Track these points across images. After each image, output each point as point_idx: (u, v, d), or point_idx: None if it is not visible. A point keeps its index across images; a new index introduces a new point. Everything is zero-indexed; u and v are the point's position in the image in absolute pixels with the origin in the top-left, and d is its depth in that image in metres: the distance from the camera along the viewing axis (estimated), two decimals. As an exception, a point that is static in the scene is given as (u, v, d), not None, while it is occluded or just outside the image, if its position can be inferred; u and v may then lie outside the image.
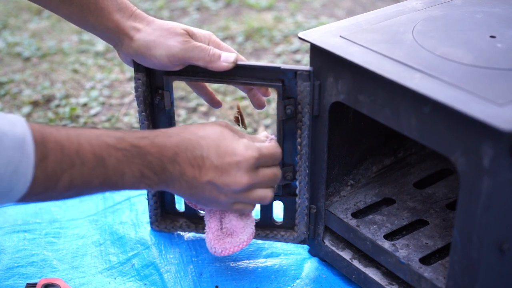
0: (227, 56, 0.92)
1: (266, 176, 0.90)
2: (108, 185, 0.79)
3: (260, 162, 0.88)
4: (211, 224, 0.97)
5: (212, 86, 1.66)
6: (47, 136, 0.72)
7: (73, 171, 0.73)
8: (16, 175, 0.68)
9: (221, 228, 0.97)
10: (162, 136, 0.83)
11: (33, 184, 0.70)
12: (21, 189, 0.70)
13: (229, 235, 0.97)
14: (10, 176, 0.68)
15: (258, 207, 1.05)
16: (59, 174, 0.72)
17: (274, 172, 0.91)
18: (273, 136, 0.96)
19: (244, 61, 0.96)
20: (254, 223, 0.99)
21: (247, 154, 0.86)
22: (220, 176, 0.85)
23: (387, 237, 0.97)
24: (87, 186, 0.76)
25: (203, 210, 1.02)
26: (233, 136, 0.87)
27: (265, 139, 0.94)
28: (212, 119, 1.56)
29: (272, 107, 1.59)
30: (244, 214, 0.97)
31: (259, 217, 1.06)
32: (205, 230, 0.99)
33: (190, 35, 0.93)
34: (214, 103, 1.07)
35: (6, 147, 0.67)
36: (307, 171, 0.98)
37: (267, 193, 0.91)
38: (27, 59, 1.88)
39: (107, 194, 1.21)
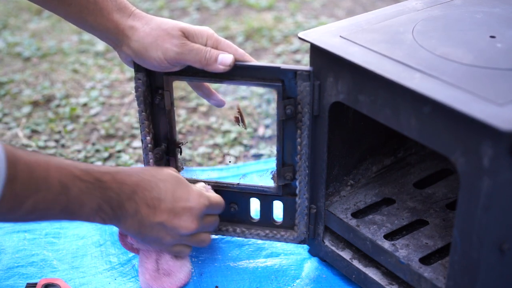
0: (224, 59, 0.92)
1: (210, 223, 0.97)
2: (66, 213, 0.81)
3: (208, 210, 0.94)
4: (147, 265, 0.99)
5: (212, 86, 1.66)
6: (17, 158, 0.73)
7: (38, 196, 0.75)
8: None
9: (157, 269, 0.99)
10: (123, 173, 0.87)
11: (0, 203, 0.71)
12: None
13: (167, 275, 1.00)
14: None
15: (258, 206, 1.05)
16: (25, 198, 0.74)
17: (216, 219, 0.99)
18: (209, 187, 1.01)
19: (249, 60, 0.95)
20: (190, 262, 1.03)
21: (200, 202, 0.92)
22: (172, 219, 0.90)
23: (387, 237, 0.97)
24: (47, 212, 0.79)
25: (135, 252, 1.03)
26: (187, 184, 0.94)
27: (204, 189, 0.99)
28: (212, 119, 1.56)
29: (272, 107, 1.59)
30: (180, 258, 1.01)
31: (259, 217, 1.06)
32: (139, 272, 1.01)
33: (187, 35, 0.93)
34: (218, 103, 1.07)
35: None
36: (307, 171, 0.98)
37: (207, 237, 0.98)
38: (27, 59, 1.88)
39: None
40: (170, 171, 0.94)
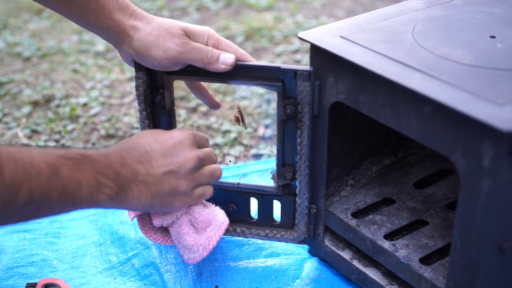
0: (226, 58, 0.92)
1: (208, 153, 0.94)
2: (67, 197, 0.77)
3: (196, 140, 0.92)
4: (184, 232, 0.95)
5: (212, 86, 1.66)
6: (1, 151, 0.71)
7: (31, 182, 0.72)
8: None
9: (196, 229, 0.96)
10: (103, 149, 0.85)
11: None
12: None
13: (207, 226, 0.95)
14: None
15: (255, 206, 1.05)
16: (18, 186, 0.71)
17: (211, 150, 0.96)
18: None
19: (250, 60, 0.95)
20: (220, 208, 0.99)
21: (185, 133, 0.91)
22: (171, 160, 0.87)
23: (387, 237, 0.97)
24: (46, 199, 0.75)
25: (161, 242, 1.00)
26: (163, 130, 0.92)
27: None
28: (212, 119, 1.56)
29: (272, 107, 1.59)
30: (206, 204, 0.98)
31: (257, 216, 1.06)
32: (179, 248, 0.97)
33: (188, 35, 0.93)
34: (214, 105, 1.07)
35: None
36: (307, 171, 0.98)
37: (216, 168, 0.95)
38: (27, 59, 1.88)
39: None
40: (143, 131, 0.92)
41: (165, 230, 1.00)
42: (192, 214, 0.96)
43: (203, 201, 0.97)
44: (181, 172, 0.88)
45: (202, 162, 0.91)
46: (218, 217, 0.96)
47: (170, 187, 0.87)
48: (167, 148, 0.88)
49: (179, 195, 0.89)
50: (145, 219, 0.98)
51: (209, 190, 0.94)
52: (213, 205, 0.99)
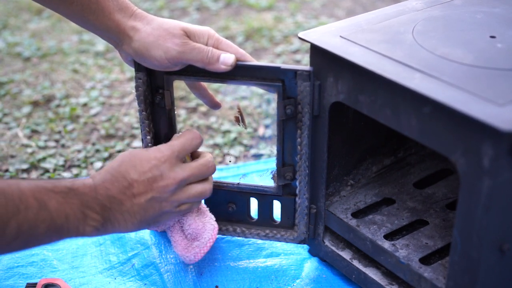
0: (226, 58, 0.92)
1: (196, 167, 0.91)
2: (54, 229, 0.78)
3: (180, 155, 0.90)
4: (175, 238, 1.00)
5: (212, 86, 1.66)
6: None
7: (19, 217, 0.73)
8: None
9: (186, 237, 0.99)
10: (88, 180, 0.84)
11: None
12: None
13: (194, 239, 0.99)
14: None
15: (255, 206, 1.05)
16: (6, 221, 0.72)
17: (202, 163, 0.92)
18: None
19: (250, 60, 0.95)
20: (214, 218, 1.01)
21: (161, 154, 0.88)
22: (150, 187, 0.87)
23: (387, 237, 0.97)
24: (34, 233, 0.76)
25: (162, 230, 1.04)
26: (141, 150, 0.90)
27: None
28: (212, 119, 1.56)
29: (272, 107, 1.59)
30: (200, 211, 0.99)
31: (257, 216, 1.06)
32: (173, 246, 1.02)
33: (188, 35, 0.93)
34: (214, 105, 1.07)
35: None
36: (307, 171, 0.98)
37: (205, 185, 0.93)
38: (27, 59, 1.88)
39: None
40: (120, 155, 0.90)
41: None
42: (183, 224, 0.99)
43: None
44: (163, 197, 0.88)
45: (184, 182, 0.90)
46: (206, 233, 0.99)
47: (154, 212, 0.88)
48: (145, 173, 0.86)
49: (164, 215, 0.90)
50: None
51: (194, 205, 0.94)
52: (206, 212, 1.01)
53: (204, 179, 0.93)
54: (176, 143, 0.91)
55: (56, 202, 0.78)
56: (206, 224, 0.99)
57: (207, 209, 1.03)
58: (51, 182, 0.80)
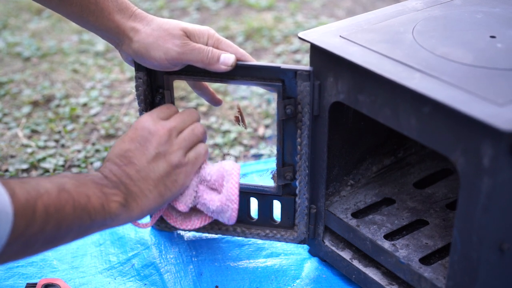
0: (226, 58, 0.92)
1: (179, 115, 0.93)
2: (80, 209, 0.78)
3: (160, 116, 0.92)
4: (207, 198, 0.95)
5: (212, 86, 1.66)
6: (4, 178, 0.72)
7: (43, 198, 0.73)
8: None
9: (216, 190, 0.96)
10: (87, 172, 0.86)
11: (15, 218, 0.68)
12: (5, 227, 0.67)
13: (222, 180, 0.95)
14: None
15: (255, 206, 1.05)
16: (33, 203, 0.71)
17: (184, 112, 0.94)
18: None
19: (250, 60, 0.95)
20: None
21: (143, 117, 0.91)
22: (145, 147, 0.88)
23: (387, 237, 0.97)
24: (62, 214, 0.75)
25: (190, 227, 1.01)
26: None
27: None
28: (212, 119, 1.56)
29: (272, 107, 1.59)
30: (213, 165, 0.96)
31: (257, 216, 1.06)
32: (218, 217, 0.97)
33: (188, 35, 0.93)
34: (215, 102, 1.07)
35: None
36: (307, 171, 0.98)
37: (194, 126, 0.94)
38: (27, 59, 1.88)
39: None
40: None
41: (192, 213, 1.00)
42: (205, 178, 0.95)
43: (208, 162, 0.97)
44: (161, 151, 0.88)
45: (175, 130, 0.91)
46: (226, 167, 0.96)
47: (163, 168, 0.88)
48: (134, 140, 0.88)
49: (176, 169, 0.90)
50: (171, 213, 1.00)
51: (202, 148, 0.94)
52: (219, 161, 0.98)
53: (191, 123, 0.94)
54: (156, 109, 0.93)
55: (72, 185, 0.78)
56: (222, 163, 0.96)
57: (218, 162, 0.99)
58: (61, 174, 0.81)
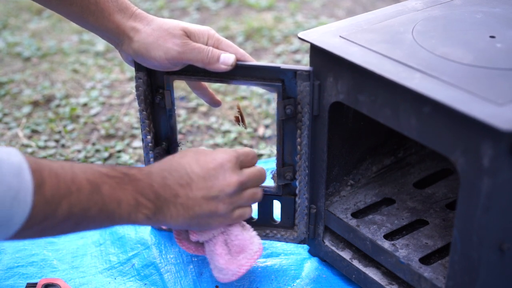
0: (226, 58, 0.92)
1: (252, 174, 0.91)
2: (106, 214, 0.78)
3: (241, 161, 0.90)
4: (218, 252, 0.94)
5: (212, 86, 1.66)
6: (41, 165, 0.72)
7: (71, 198, 0.73)
8: (16, 202, 0.68)
9: (229, 251, 0.95)
10: (145, 167, 0.85)
11: (33, 211, 0.69)
12: (21, 216, 0.69)
13: (240, 251, 0.95)
14: (10, 203, 0.67)
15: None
16: (58, 201, 0.72)
17: (258, 169, 0.93)
18: None
19: (249, 60, 0.95)
20: (257, 236, 0.98)
21: (227, 155, 0.88)
22: (211, 184, 0.86)
23: (387, 237, 0.97)
24: (85, 215, 0.75)
25: (199, 253, 0.99)
26: (207, 150, 0.90)
27: None
28: (212, 119, 1.56)
29: (272, 107, 1.59)
30: (245, 226, 0.96)
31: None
32: (211, 264, 0.96)
33: (188, 35, 0.93)
34: (214, 103, 1.07)
35: (5, 173, 0.67)
36: (307, 171, 0.98)
37: (258, 190, 0.93)
38: (27, 59, 1.88)
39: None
40: (185, 150, 0.90)
41: (200, 243, 0.99)
42: (229, 235, 0.95)
43: (242, 222, 0.96)
44: (220, 197, 0.87)
45: (243, 186, 0.89)
46: (253, 245, 0.95)
47: (209, 210, 0.87)
48: (208, 171, 0.86)
49: (217, 217, 0.89)
50: (182, 231, 0.99)
51: (248, 212, 0.93)
52: (251, 229, 0.98)
53: (256, 185, 0.93)
54: (240, 151, 0.92)
55: (110, 187, 0.77)
56: (253, 236, 0.96)
57: (251, 227, 0.99)
58: (106, 167, 0.80)
